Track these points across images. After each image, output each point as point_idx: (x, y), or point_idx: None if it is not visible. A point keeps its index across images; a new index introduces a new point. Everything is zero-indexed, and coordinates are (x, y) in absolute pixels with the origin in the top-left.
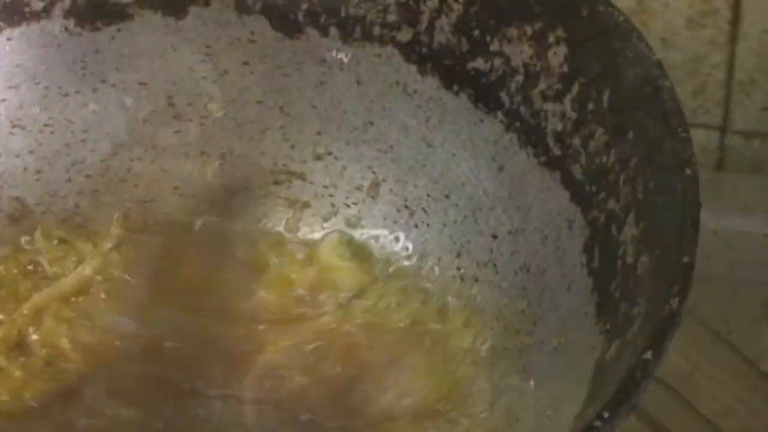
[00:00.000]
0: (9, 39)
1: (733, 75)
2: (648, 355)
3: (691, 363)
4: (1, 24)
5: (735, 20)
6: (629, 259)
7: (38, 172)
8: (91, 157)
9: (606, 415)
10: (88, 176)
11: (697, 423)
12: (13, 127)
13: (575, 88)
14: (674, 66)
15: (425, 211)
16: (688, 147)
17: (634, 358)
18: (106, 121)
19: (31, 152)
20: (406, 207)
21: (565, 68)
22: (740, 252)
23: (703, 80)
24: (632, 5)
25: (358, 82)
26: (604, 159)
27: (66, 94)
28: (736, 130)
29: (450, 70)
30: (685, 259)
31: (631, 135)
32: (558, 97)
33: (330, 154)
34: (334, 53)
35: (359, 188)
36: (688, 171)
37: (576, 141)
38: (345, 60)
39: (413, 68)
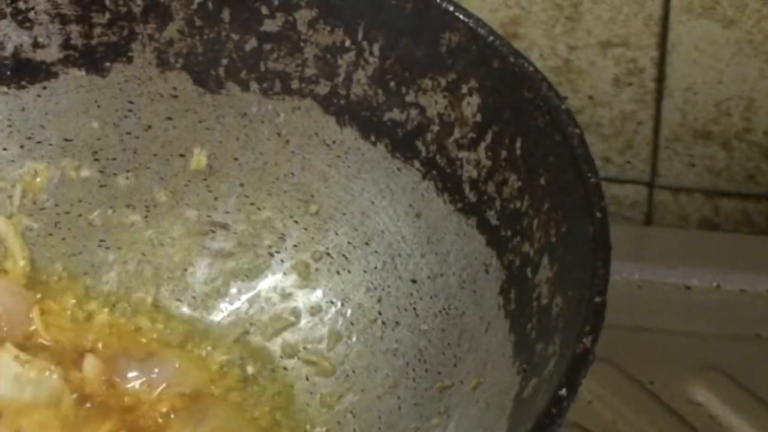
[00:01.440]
0: None
1: (659, 132)
2: (563, 392)
3: (614, 411)
4: None
5: (660, 78)
6: (544, 301)
7: None
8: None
9: None
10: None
11: None
12: None
13: (489, 137)
14: (602, 123)
15: (346, 258)
16: (598, 191)
17: (549, 395)
18: (34, 176)
19: None
20: (328, 254)
21: (479, 117)
22: (663, 304)
23: (630, 137)
24: (559, 64)
25: (279, 134)
26: (518, 204)
27: None
28: (663, 185)
29: (367, 121)
30: (597, 299)
31: (543, 181)
32: (472, 145)
33: (252, 204)
34: (254, 107)
35: (281, 237)
36: (598, 215)
37: (491, 188)
38: (266, 113)
39: (332, 120)
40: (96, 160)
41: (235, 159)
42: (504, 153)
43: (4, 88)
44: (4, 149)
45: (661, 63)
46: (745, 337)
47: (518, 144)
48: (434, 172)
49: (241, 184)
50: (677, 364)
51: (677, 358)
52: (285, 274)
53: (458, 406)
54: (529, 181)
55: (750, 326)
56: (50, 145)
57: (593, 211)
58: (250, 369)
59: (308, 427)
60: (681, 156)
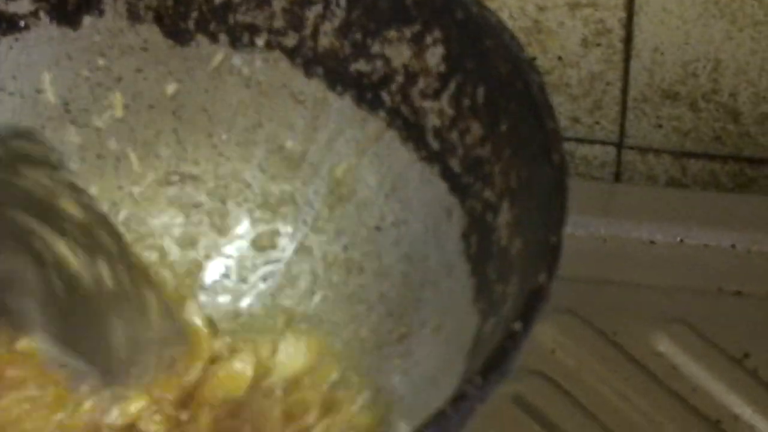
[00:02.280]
0: None
1: (627, 92)
2: (517, 326)
3: (577, 361)
4: None
5: (628, 39)
6: (503, 243)
7: None
8: None
9: (478, 381)
10: None
11: (581, 418)
12: None
13: (452, 86)
14: (571, 84)
15: (312, 206)
16: (556, 137)
17: (506, 327)
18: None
19: None
20: (294, 202)
21: (442, 68)
22: (628, 258)
23: (598, 97)
24: (529, 25)
25: (247, 86)
26: (480, 152)
27: None
28: (631, 146)
29: (334, 72)
30: (552, 239)
31: (504, 128)
32: (436, 95)
33: (221, 155)
34: (223, 59)
35: (249, 187)
36: (555, 157)
37: (454, 136)
38: (234, 65)
39: (300, 71)
40: (67, 111)
41: (204, 110)
42: (467, 102)
43: None
44: None
45: (629, 24)
46: (707, 290)
47: (481, 93)
48: (399, 122)
49: (210, 135)
50: (640, 316)
51: (640, 310)
52: (252, 222)
53: (419, 348)
54: (491, 129)
55: (712, 280)
56: (22, 97)
57: (552, 156)
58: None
59: None
60: (649, 117)
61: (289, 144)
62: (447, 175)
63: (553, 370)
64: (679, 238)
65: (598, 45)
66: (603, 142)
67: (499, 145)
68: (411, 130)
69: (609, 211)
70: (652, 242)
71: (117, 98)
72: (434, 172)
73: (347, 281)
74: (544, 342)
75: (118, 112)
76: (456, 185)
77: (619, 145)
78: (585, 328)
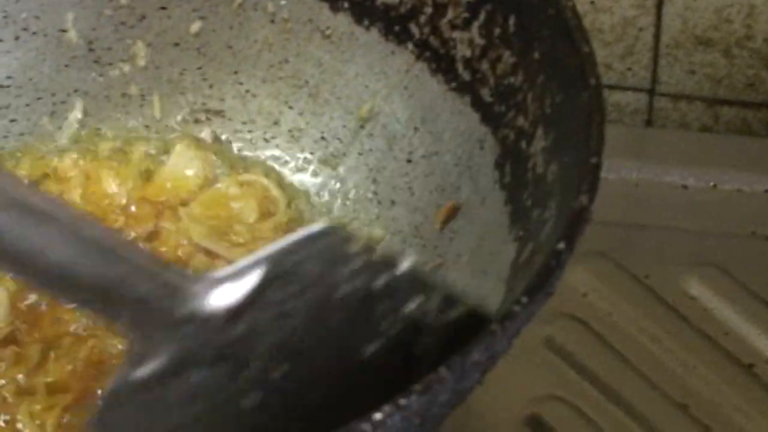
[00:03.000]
0: None
1: (660, 38)
2: (561, 245)
3: (609, 304)
4: None
5: None
6: (539, 170)
7: None
8: (16, 103)
9: (524, 300)
10: (13, 121)
11: (613, 360)
12: None
13: (482, 16)
14: (603, 29)
15: (341, 141)
16: (591, 59)
17: (549, 247)
18: (29, 67)
19: None
20: (323, 138)
21: None
22: (661, 202)
23: (631, 43)
24: None
25: (272, 22)
26: (512, 80)
27: None
28: (663, 93)
29: (360, 5)
30: (593, 160)
31: (536, 55)
32: (466, 25)
33: (248, 91)
34: None
35: (276, 123)
36: (591, 81)
37: (484, 65)
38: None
39: (326, 6)
40: (91, 50)
41: (229, 47)
42: (498, 30)
43: None
44: (0, 40)
45: None
46: (740, 234)
47: (511, 21)
48: (428, 54)
49: (236, 72)
50: (673, 260)
51: (673, 253)
52: (280, 157)
53: (456, 279)
54: (522, 57)
55: (745, 224)
56: (45, 36)
57: (587, 79)
58: None
59: None
60: (681, 63)
61: (316, 79)
62: (478, 105)
63: (585, 312)
64: (712, 183)
65: None
66: (635, 89)
67: (531, 73)
68: (440, 62)
69: (641, 156)
70: (684, 187)
71: (139, 47)
72: (465, 103)
73: (379, 214)
74: (576, 285)
75: (140, 62)
76: (488, 115)
77: (652, 92)
78: (617, 272)
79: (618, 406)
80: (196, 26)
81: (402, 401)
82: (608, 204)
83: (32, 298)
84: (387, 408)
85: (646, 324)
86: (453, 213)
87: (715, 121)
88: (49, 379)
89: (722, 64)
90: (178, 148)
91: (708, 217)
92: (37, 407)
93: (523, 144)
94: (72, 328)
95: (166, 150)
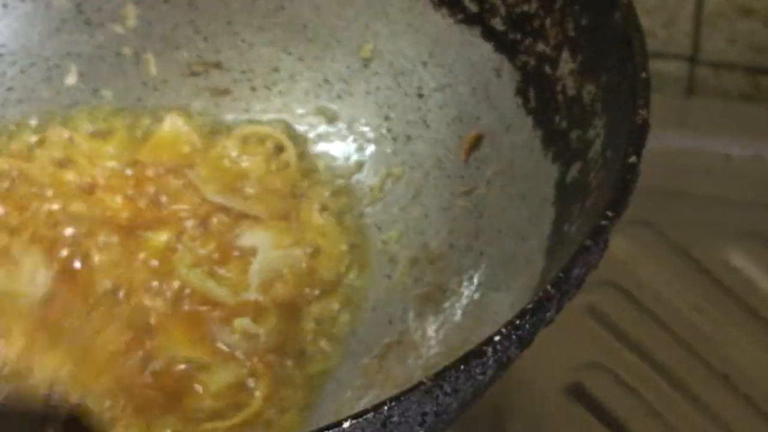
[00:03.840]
0: None
1: (702, 6)
2: (632, 159)
3: (651, 273)
4: None
5: None
6: (571, 92)
7: None
8: (11, 70)
9: (610, 213)
10: (9, 89)
11: (655, 329)
12: None
13: None
14: None
15: (346, 83)
16: None
17: (617, 165)
18: (20, 34)
19: None
20: (327, 81)
21: None
22: (704, 172)
23: (672, 12)
24: None
25: None
26: (525, 8)
27: None
28: (704, 61)
29: None
30: (643, 75)
31: None
32: None
33: (244, 41)
34: None
35: (276, 70)
36: (624, 0)
37: None
38: None
39: None
40: (80, 12)
41: None
42: None
43: None
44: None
45: None
46: None
47: None
48: None
49: (229, 22)
50: (716, 230)
51: (716, 223)
52: (284, 105)
53: (489, 206)
54: None
55: None
56: (33, 1)
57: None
58: None
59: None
60: (723, 31)
61: (314, 23)
62: (490, 34)
63: (627, 281)
64: (755, 153)
65: None
66: (676, 57)
67: None
68: None
69: (683, 125)
70: (727, 156)
71: (128, 7)
72: (475, 34)
73: (395, 150)
74: (617, 253)
75: (131, 22)
76: (501, 43)
77: (693, 60)
78: (659, 241)
79: (659, 375)
80: None
81: (517, 321)
82: (650, 172)
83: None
84: (504, 330)
85: (688, 294)
86: (476, 142)
87: (756, 90)
88: None
89: (764, 33)
90: (169, 118)
91: (751, 187)
92: None
93: (547, 68)
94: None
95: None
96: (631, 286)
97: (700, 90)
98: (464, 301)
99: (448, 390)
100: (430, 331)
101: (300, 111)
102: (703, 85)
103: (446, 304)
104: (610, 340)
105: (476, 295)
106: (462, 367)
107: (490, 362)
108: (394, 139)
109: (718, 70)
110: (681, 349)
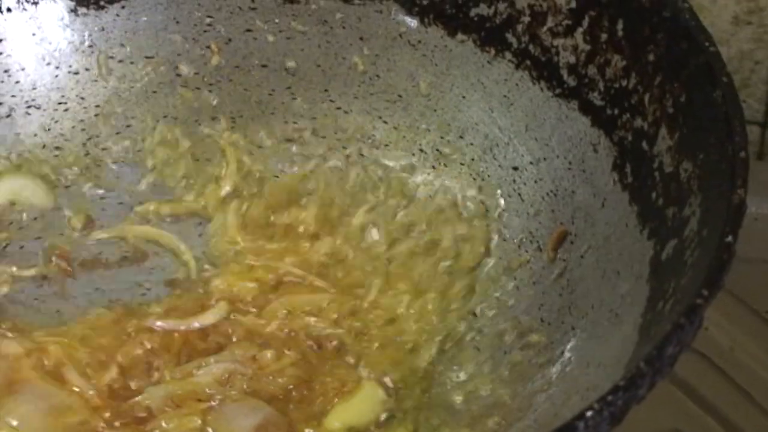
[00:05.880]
0: (17, 22)
1: None
2: (729, 239)
3: (731, 339)
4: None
5: None
6: (668, 169)
7: (57, 148)
8: (106, 131)
9: (705, 292)
10: (104, 149)
11: (735, 395)
12: (28, 107)
13: (585, 22)
14: None
15: (440, 152)
16: (719, 59)
17: (713, 244)
18: (117, 95)
19: (47, 130)
20: (421, 151)
21: (573, 4)
22: None
23: (746, 76)
24: None
25: (361, 38)
26: (624, 83)
27: (76, 72)
28: None
29: (453, 19)
30: (742, 154)
31: (651, 57)
32: (568, 32)
33: (339, 108)
34: (335, 14)
35: (371, 138)
36: (724, 79)
37: (591, 71)
38: (347, 19)
39: (415, 20)
40: (178, 75)
41: (318, 66)
42: (604, 36)
43: (84, 9)
44: (87, 69)
45: None
46: None
47: (620, 26)
48: (528, 62)
49: (326, 90)
50: None
51: None
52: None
53: (582, 281)
54: (634, 60)
55: None
56: (132, 63)
57: (718, 77)
58: None
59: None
60: None
61: (409, 92)
62: (588, 109)
63: (707, 347)
64: None
65: (749, 23)
66: (748, 121)
67: (646, 75)
68: (543, 69)
69: (758, 189)
70: None
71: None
72: (572, 107)
73: (488, 223)
74: None
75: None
76: (599, 118)
77: (764, 125)
78: (738, 306)
79: None
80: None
81: (609, 397)
82: None
83: None
84: (597, 405)
85: (767, 359)
86: (562, 239)
87: None
88: None
89: None
90: None
91: None
92: None
93: (644, 144)
94: None
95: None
96: (710, 351)
97: None
98: (554, 374)
99: None
100: (518, 404)
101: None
102: None
103: (537, 377)
104: (690, 406)
105: (567, 369)
106: None
107: None
108: (487, 210)
109: None
110: (761, 414)
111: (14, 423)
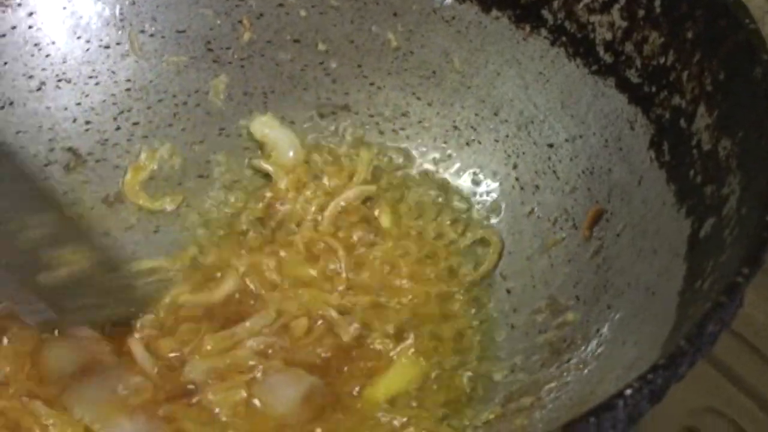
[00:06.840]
0: None
1: None
2: None
3: (766, 317)
4: None
5: None
6: (706, 147)
7: (87, 122)
8: (137, 105)
9: (746, 270)
10: (135, 123)
11: None
12: (59, 81)
13: None
14: None
15: (475, 129)
16: (758, 36)
17: (753, 222)
18: (148, 70)
19: (78, 104)
20: (455, 128)
21: None
22: None
23: None
24: None
25: (395, 14)
26: (662, 60)
27: (107, 46)
28: None
29: None
30: None
31: (690, 35)
32: (605, 8)
33: (372, 84)
34: None
35: (405, 114)
36: (764, 56)
37: (628, 47)
38: None
39: None
40: (209, 50)
41: (351, 41)
42: (642, 12)
43: None
44: (118, 43)
45: None
46: None
47: (657, 2)
48: (564, 39)
49: (359, 65)
50: None
51: None
52: (414, 149)
53: (618, 259)
54: (673, 37)
55: None
56: (163, 37)
57: (758, 54)
58: None
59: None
60: None
61: (443, 68)
62: (624, 86)
63: (743, 326)
64: None
65: None
66: None
67: (684, 52)
68: (579, 45)
69: None
70: None
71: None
72: (609, 85)
73: (524, 199)
74: None
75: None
76: (636, 95)
77: None
78: None
79: None
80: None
81: (649, 376)
82: None
83: None
84: (636, 383)
85: None
86: (598, 217)
87: None
88: None
89: None
90: None
91: None
92: None
93: (683, 122)
94: None
95: None
96: (746, 330)
97: None
98: (590, 353)
99: None
100: (554, 382)
101: (430, 157)
102: None
103: (571, 355)
104: (725, 385)
105: (602, 348)
106: (592, 419)
107: (621, 416)
108: (522, 188)
109: None
110: None
111: (79, 413)
